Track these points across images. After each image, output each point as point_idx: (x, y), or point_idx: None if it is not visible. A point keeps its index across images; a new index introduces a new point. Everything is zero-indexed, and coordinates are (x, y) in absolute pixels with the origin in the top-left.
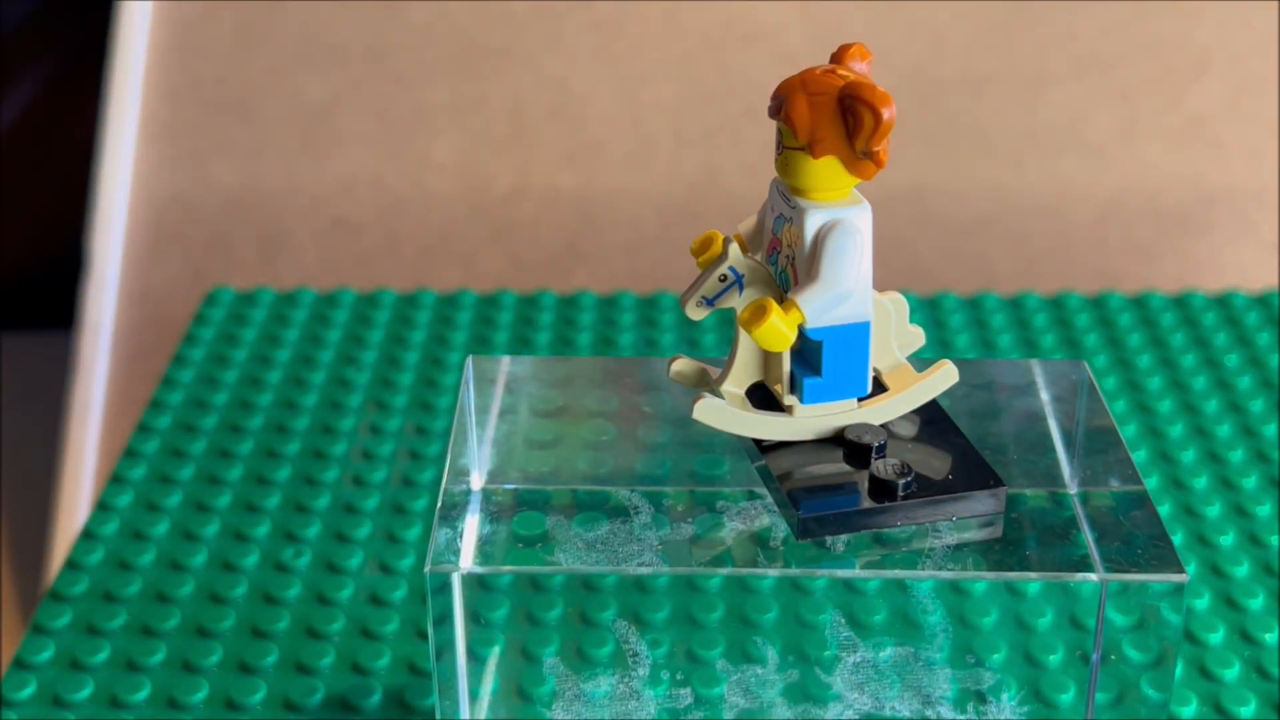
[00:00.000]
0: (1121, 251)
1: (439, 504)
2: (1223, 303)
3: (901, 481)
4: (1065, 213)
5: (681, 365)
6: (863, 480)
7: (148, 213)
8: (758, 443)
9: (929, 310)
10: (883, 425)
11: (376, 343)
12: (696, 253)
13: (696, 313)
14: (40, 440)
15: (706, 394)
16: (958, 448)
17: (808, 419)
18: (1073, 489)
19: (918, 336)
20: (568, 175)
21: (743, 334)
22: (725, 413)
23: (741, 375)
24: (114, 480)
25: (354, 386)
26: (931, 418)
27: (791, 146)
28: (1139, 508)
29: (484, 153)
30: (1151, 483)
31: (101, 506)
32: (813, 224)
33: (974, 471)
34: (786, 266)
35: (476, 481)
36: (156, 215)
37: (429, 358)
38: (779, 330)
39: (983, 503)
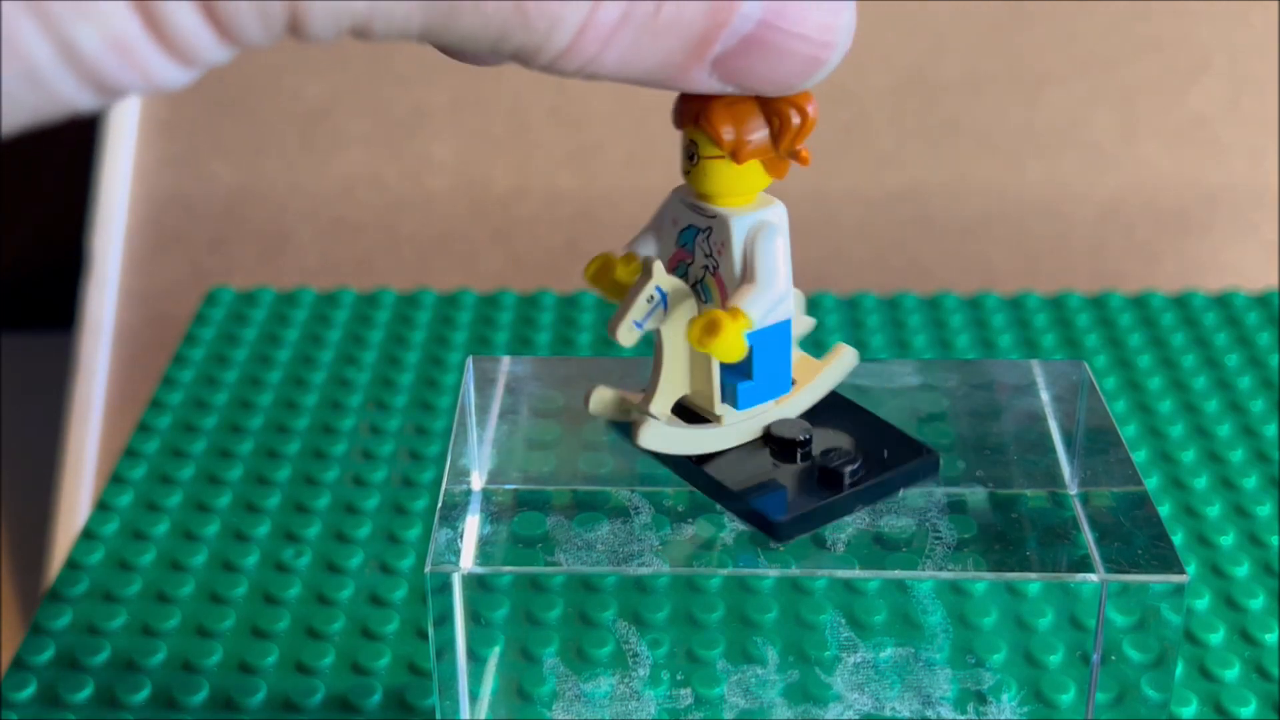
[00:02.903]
0: (1121, 251)
1: (439, 504)
2: (1223, 303)
3: (849, 469)
4: (1065, 213)
5: (601, 394)
6: (802, 475)
7: (148, 213)
8: (686, 462)
9: (929, 310)
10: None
11: (376, 343)
12: (594, 279)
13: (629, 337)
14: (40, 440)
15: (645, 419)
16: (874, 426)
17: (738, 425)
18: (1073, 489)
19: (809, 325)
20: (568, 175)
21: (667, 352)
22: (671, 434)
23: (668, 394)
24: (114, 480)
25: (354, 386)
26: (833, 402)
27: (711, 155)
28: (1139, 508)
29: (484, 153)
30: (1151, 483)
31: (101, 506)
32: (740, 229)
33: (904, 446)
34: (704, 278)
35: (477, 482)
36: (156, 215)
37: (429, 358)
38: (739, 339)
39: (921, 470)
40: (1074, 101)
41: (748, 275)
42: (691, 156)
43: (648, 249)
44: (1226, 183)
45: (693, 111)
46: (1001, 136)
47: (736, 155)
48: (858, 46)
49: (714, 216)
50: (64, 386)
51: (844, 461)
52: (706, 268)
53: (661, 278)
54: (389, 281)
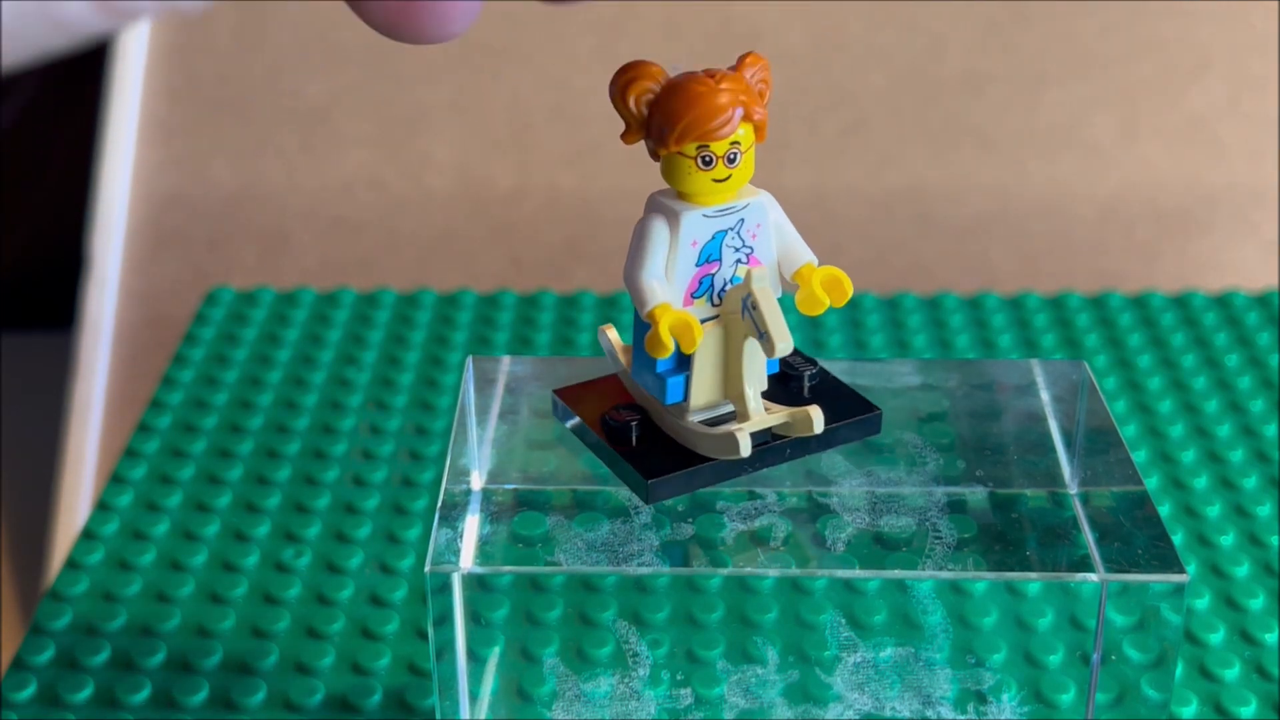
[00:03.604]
0: (1121, 251)
1: (439, 504)
2: (1223, 303)
3: (808, 374)
4: (1065, 213)
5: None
6: (789, 392)
7: (148, 213)
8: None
9: (929, 310)
10: None
11: (376, 343)
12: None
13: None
14: (40, 440)
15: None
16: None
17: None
18: (1073, 489)
19: None
20: (568, 175)
21: (708, 358)
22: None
23: (704, 398)
24: (114, 480)
25: (354, 386)
26: None
27: (750, 145)
28: (1139, 508)
29: (484, 153)
30: (1151, 483)
31: (101, 506)
32: (766, 201)
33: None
34: (733, 274)
35: (477, 481)
36: (156, 215)
37: (429, 358)
38: None
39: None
40: (1074, 101)
41: (790, 239)
42: (733, 159)
43: (668, 292)
44: (1226, 183)
45: (728, 116)
46: (1001, 136)
47: (763, 131)
48: (858, 46)
49: (745, 206)
50: (64, 386)
51: (803, 367)
52: (739, 260)
53: (754, 277)
54: (389, 281)
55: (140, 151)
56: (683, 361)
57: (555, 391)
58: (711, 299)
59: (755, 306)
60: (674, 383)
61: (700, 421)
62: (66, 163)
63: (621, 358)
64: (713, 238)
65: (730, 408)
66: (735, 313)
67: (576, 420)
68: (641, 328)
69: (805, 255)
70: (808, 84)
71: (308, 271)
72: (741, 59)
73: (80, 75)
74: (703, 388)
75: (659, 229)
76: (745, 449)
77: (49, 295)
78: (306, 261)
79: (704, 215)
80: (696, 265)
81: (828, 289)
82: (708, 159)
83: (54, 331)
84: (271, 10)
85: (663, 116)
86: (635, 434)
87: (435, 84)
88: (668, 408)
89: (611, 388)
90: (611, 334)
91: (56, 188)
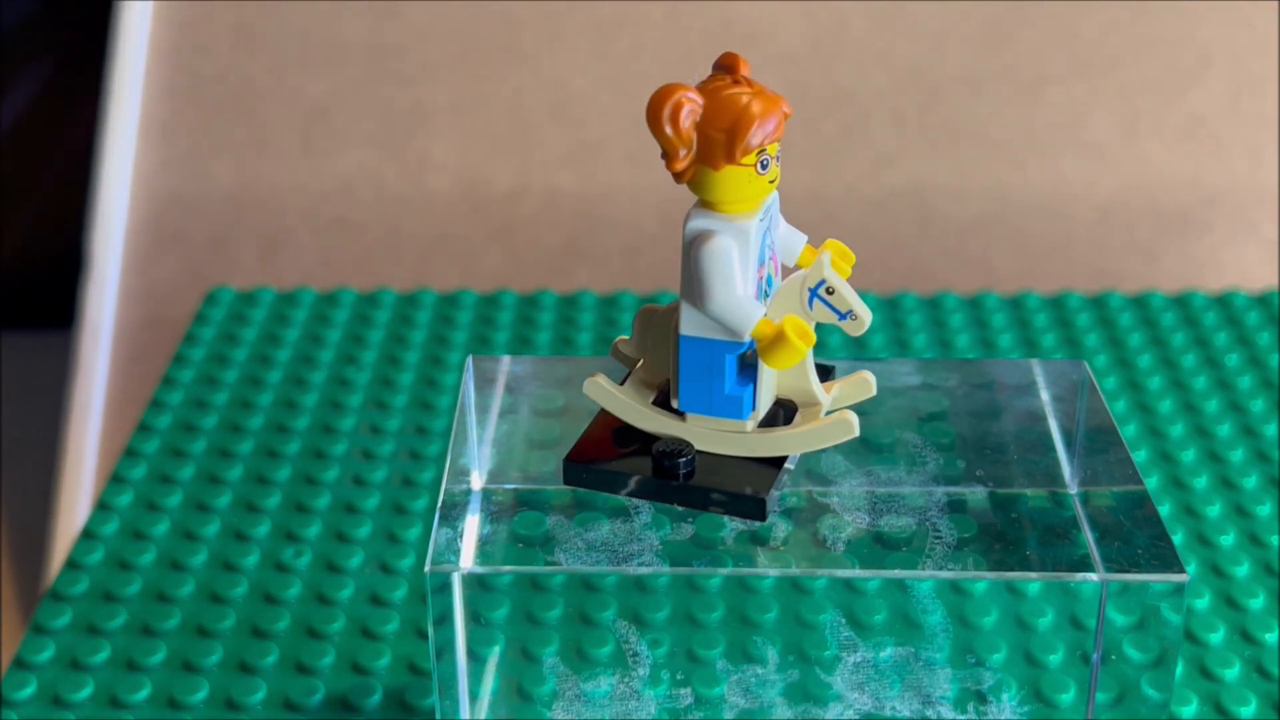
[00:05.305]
0: (1121, 251)
1: (439, 504)
2: (1223, 302)
3: (681, 460)
4: (1065, 213)
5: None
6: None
7: (148, 213)
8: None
9: (929, 310)
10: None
11: (376, 343)
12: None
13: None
14: (40, 440)
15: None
16: None
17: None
18: (1073, 489)
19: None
20: (568, 175)
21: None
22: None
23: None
24: (114, 480)
25: (354, 386)
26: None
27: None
28: (1139, 507)
29: (484, 153)
30: (1151, 483)
31: (101, 506)
32: (773, 195)
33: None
34: (769, 266)
35: (477, 481)
36: (156, 215)
37: (429, 358)
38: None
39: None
40: (1074, 101)
41: (784, 225)
42: (766, 165)
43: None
44: (1226, 183)
45: (779, 114)
46: (1001, 136)
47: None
48: (858, 46)
49: (772, 203)
50: (64, 386)
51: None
52: (772, 256)
53: (825, 263)
54: (389, 281)
55: (140, 151)
56: (746, 375)
57: (567, 460)
58: (761, 300)
59: (833, 291)
60: (748, 396)
61: (757, 427)
62: (66, 163)
63: (624, 397)
64: (762, 240)
65: (763, 409)
66: (790, 308)
67: (614, 470)
68: (704, 357)
69: (801, 236)
70: (808, 84)
71: (308, 271)
72: (733, 62)
73: (80, 76)
74: (764, 392)
75: (730, 248)
76: (858, 428)
77: (49, 295)
78: (306, 261)
79: (759, 221)
80: (762, 261)
81: (843, 257)
82: (765, 162)
83: (54, 331)
84: (271, 10)
85: (720, 132)
86: (685, 469)
87: (435, 84)
88: (727, 423)
89: (616, 431)
90: (603, 380)
91: (56, 188)
